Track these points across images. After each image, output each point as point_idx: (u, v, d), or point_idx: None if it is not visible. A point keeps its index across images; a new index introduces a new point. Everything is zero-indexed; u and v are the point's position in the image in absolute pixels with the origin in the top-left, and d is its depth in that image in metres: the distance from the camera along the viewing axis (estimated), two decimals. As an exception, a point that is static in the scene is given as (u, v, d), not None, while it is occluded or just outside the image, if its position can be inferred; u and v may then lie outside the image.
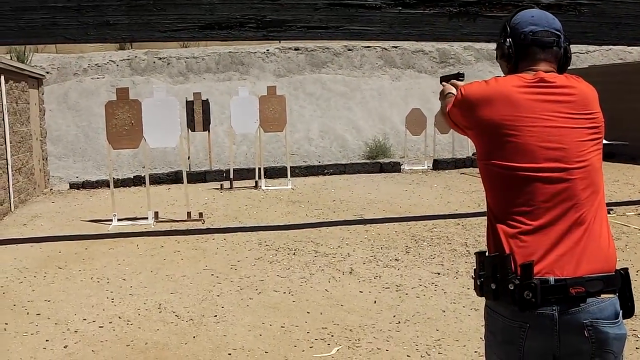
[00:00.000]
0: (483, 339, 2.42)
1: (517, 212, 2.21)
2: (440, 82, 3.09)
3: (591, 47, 22.66)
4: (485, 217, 2.38)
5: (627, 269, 2.25)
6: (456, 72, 3.01)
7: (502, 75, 2.52)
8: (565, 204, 2.20)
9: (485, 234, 2.39)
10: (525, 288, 2.11)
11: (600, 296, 2.16)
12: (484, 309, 2.34)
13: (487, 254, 2.24)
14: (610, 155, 15.31)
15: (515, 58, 2.41)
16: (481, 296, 2.27)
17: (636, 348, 4.82)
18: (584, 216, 2.20)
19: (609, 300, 2.18)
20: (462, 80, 2.94)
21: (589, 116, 2.33)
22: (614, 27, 10.24)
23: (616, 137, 11.64)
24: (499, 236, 2.22)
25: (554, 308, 2.12)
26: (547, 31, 2.38)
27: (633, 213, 10.05)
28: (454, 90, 2.69)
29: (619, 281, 2.21)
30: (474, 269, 2.30)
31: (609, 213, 10.31)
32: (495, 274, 2.18)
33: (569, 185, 2.22)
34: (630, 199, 11.36)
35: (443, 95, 2.74)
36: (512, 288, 2.12)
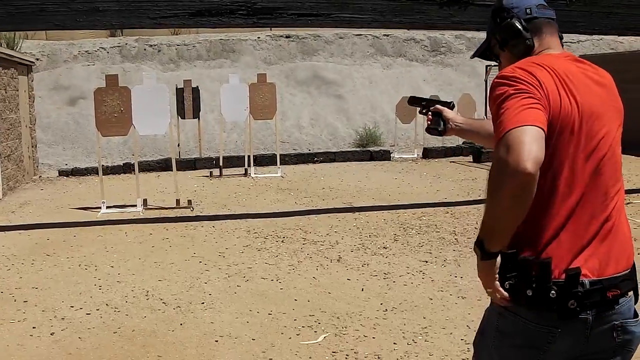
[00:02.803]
0: (479, 333, 2.28)
1: (548, 211, 2.02)
2: (410, 103, 2.91)
3: (582, 37, 22.64)
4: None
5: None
6: (446, 100, 2.82)
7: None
8: (597, 199, 2.05)
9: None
10: (570, 297, 1.94)
11: (628, 295, 2.08)
12: (491, 307, 2.18)
13: (518, 254, 2.01)
14: (599, 144, 15.34)
15: (531, 34, 2.21)
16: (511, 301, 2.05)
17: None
18: (612, 213, 2.07)
19: (632, 298, 2.11)
20: (452, 109, 2.76)
21: (617, 104, 2.19)
22: (605, 16, 10.23)
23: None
24: (536, 235, 2.02)
25: (589, 312, 1.98)
26: (543, 4, 2.25)
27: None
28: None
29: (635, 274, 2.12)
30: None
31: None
32: (530, 278, 1.97)
33: (602, 180, 2.07)
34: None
35: (478, 250, 2.05)
36: (554, 296, 1.94)
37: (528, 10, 2.21)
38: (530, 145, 1.84)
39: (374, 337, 4.94)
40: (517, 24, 2.20)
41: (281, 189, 12.22)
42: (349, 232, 8.48)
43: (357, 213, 9.67)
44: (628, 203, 9.95)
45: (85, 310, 5.69)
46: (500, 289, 2.02)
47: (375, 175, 13.74)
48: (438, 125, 2.72)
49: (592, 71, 2.17)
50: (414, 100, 2.88)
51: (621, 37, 22.12)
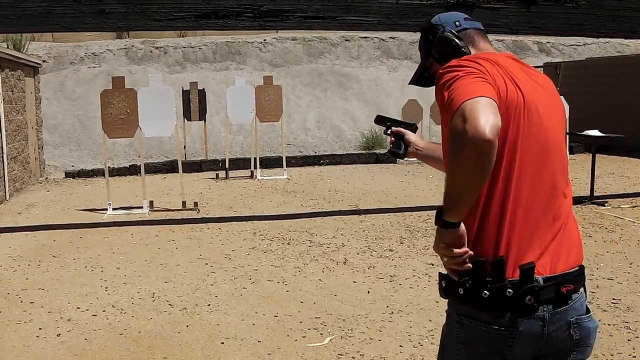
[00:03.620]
0: (440, 351, 2.27)
1: (503, 209, 2.01)
2: (376, 122, 2.85)
3: (588, 40, 22.63)
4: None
5: None
6: (410, 122, 2.77)
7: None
8: (547, 199, 2.07)
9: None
10: (526, 293, 1.95)
11: (579, 291, 2.10)
12: (451, 320, 2.14)
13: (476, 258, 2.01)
14: (606, 148, 15.32)
15: (466, 43, 2.25)
16: (462, 304, 2.06)
17: (628, 340, 4.83)
18: (561, 209, 2.10)
19: (583, 294, 2.13)
20: (415, 132, 2.72)
21: (559, 106, 2.21)
22: (611, 19, 10.21)
23: (612, 129, 11.64)
24: (487, 235, 2.02)
25: (545, 309, 1.99)
26: (469, 18, 2.34)
27: (628, 205, 10.07)
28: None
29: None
30: (442, 274, 2.13)
31: (603, 205, 10.29)
32: (485, 280, 1.98)
33: (553, 178, 2.10)
34: (625, 192, 11.38)
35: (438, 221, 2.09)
36: (509, 294, 1.95)
37: (457, 23, 2.29)
38: (486, 114, 1.83)
39: (380, 340, 4.94)
40: (450, 35, 2.26)
41: (287, 191, 12.22)
42: (354, 234, 8.47)
43: (363, 215, 9.67)
44: (635, 206, 9.93)
45: (92, 311, 5.69)
46: (460, 251, 2.00)
47: (381, 178, 13.74)
48: (399, 148, 2.70)
49: (533, 72, 2.21)
50: (380, 120, 2.87)
51: (628, 40, 22.10)
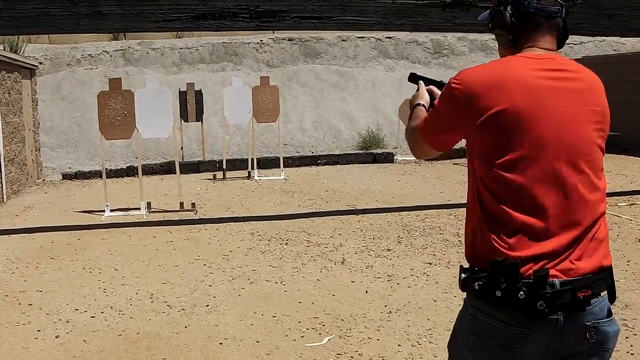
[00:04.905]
0: (452, 335, 2.30)
1: (519, 214, 2.04)
2: (410, 80, 2.83)
3: (585, 38, 22.64)
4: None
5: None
6: (439, 80, 2.75)
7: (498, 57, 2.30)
8: (571, 205, 2.06)
9: (466, 233, 2.23)
10: (539, 298, 1.95)
11: (600, 295, 2.07)
12: (466, 309, 2.18)
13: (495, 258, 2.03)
14: (603, 146, 15.32)
15: (517, 28, 2.19)
16: (477, 300, 2.08)
17: (626, 337, 4.85)
18: (586, 215, 2.07)
19: (606, 298, 2.11)
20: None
21: (597, 108, 2.16)
22: (607, 18, 10.16)
23: (609, 128, 11.65)
24: (495, 239, 2.05)
25: (560, 313, 1.99)
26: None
27: (625, 204, 10.09)
28: (427, 100, 2.51)
29: (610, 274, 2.11)
30: (464, 267, 2.15)
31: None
32: (500, 280, 1.99)
33: (577, 186, 2.07)
34: (622, 190, 11.39)
35: (412, 103, 2.53)
36: (522, 297, 1.96)
37: (525, 3, 2.18)
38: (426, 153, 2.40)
39: (378, 339, 4.94)
40: (506, 16, 2.21)
41: (284, 191, 12.22)
42: (352, 234, 8.48)
43: (361, 215, 9.67)
44: (632, 204, 9.95)
45: (90, 313, 5.70)
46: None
47: (378, 178, 13.75)
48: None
49: (568, 77, 2.15)
50: (412, 78, 2.87)
51: (624, 39, 22.12)
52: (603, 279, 2.08)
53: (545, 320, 1.98)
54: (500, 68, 2.13)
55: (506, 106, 2.05)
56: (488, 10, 2.33)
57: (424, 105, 2.48)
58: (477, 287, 2.05)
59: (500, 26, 2.23)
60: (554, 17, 2.20)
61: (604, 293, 2.10)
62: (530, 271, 1.99)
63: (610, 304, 2.14)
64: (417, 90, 2.59)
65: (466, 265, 2.16)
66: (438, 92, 2.68)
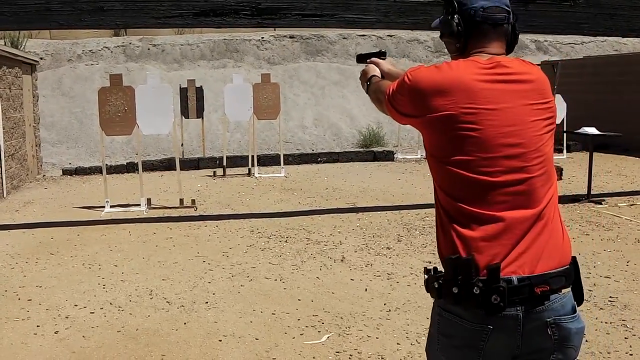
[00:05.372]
0: (428, 337, 2.32)
1: (476, 212, 2.10)
2: (358, 61, 2.91)
3: (586, 38, 22.66)
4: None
5: (574, 257, 2.20)
6: (377, 50, 2.90)
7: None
8: (525, 201, 2.11)
9: (436, 226, 2.29)
10: (493, 292, 2.00)
11: (561, 292, 2.11)
12: (433, 309, 2.23)
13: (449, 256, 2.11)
14: (604, 146, 15.32)
15: (465, 37, 2.26)
16: (439, 299, 2.15)
17: (625, 338, 4.84)
18: (544, 212, 2.13)
19: (568, 295, 2.15)
20: (384, 59, 2.80)
21: (545, 105, 2.22)
22: (608, 18, 10.21)
23: (610, 128, 11.65)
24: (454, 237, 2.12)
25: (518, 308, 2.03)
26: (497, 7, 2.25)
27: (625, 204, 10.08)
28: (378, 72, 2.66)
29: (573, 273, 2.16)
30: (427, 269, 2.19)
31: (600, 204, 10.28)
32: (456, 277, 2.04)
33: (529, 183, 2.13)
34: (622, 190, 11.39)
35: (366, 77, 2.69)
36: (477, 292, 2.00)
37: (472, 12, 2.24)
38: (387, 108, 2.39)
39: (377, 338, 4.95)
40: (453, 25, 2.27)
41: (285, 189, 12.22)
42: (352, 232, 8.48)
43: (361, 213, 9.67)
44: (632, 205, 9.95)
45: (89, 309, 5.70)
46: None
47: (378, 176, 13.75)
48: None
49: (514, 79, 2.20)
50: (360, 59, 2.92)
51: (625, 39, 22.11)
52: (562, 275, 2.12)
53: (503, 315, 2.02)
54: (449, 73, 2.18)
55: (451, 112, 2.12)
56: (439, 18, 2.40)
57: (377, 77, 2.66)
58: (437, 286, 2.12)
59: (449, 34, 2.30)
60: (501, 24, 2.26)
61: (567, 290, 2.15)
62: (485, 267, 2.04)
63: (578, 305, 2.18)
64: (366, 66, 2.76)
65: (429, 267, 2.21)
66: (381, 61, 2.78)
